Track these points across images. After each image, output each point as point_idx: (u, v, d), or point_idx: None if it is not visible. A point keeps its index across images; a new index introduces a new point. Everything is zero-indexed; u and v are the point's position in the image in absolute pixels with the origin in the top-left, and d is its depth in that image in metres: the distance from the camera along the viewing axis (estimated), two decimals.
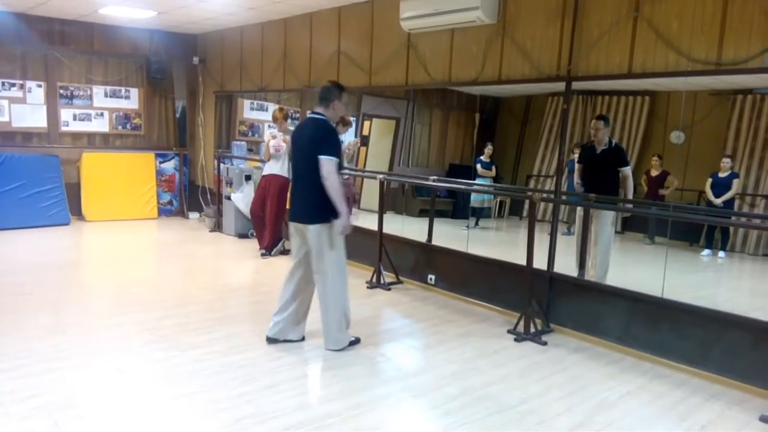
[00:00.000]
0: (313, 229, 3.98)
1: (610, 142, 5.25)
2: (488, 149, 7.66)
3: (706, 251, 6.25)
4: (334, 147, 3.95)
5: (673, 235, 5.14)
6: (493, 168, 7.65)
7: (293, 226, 4.16)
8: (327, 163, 3.87)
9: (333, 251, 4.05)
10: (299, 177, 4.12)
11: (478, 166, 7.57)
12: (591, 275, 5.10)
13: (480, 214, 7.92)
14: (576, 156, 5.71)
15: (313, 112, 4.14)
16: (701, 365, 4.03)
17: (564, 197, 5.55)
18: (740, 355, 3.87)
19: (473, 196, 7.61)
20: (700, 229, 6.23)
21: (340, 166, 4.02)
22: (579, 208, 5.39)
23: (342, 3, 6.76)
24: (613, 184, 5.17)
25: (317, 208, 3.97)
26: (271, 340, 4.21)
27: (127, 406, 3.24)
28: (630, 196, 5.26)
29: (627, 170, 5.17)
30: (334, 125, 4.14)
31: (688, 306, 4.15)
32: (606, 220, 5.22)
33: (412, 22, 5.75)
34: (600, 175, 5.23)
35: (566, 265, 5.04)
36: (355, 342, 4.30)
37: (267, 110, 9.58)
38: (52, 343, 4.08)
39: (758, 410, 3.52)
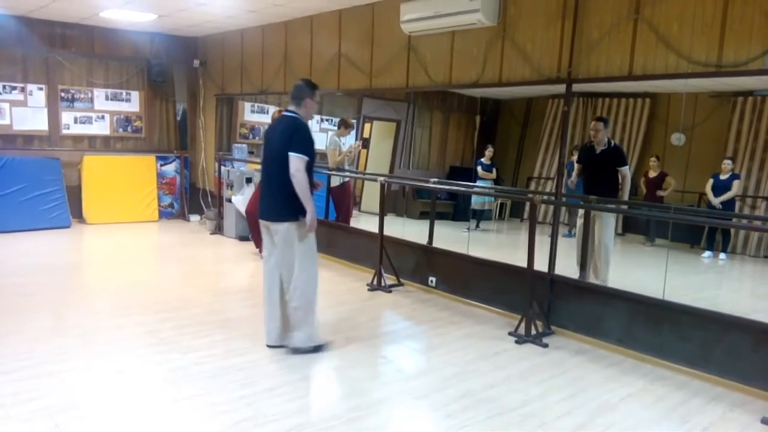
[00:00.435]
0: (280, 227, 3.95)
1: (609, 142, 5.28)
2: (489, 151, 7.67)
3: (707, 253, 6.25)
4: (304, 144, 3.90)
5: (674, 237, 5.15)
6: (494, 170, 7.66)
7: (262, 224, 4.12)
8: (296, 160, 3.83)
9: (301, 248, 3.97)
10: (269, 175, 4.06)
11: (479, 168, 7.58)
12: (594, 277, 5.12)
13: (481, 216, 7.92)
14: (575, 157, 5.74)
15: (286, 110, 4.10)
16: (702, 367, 4.02)
17: (564, 199, 5.55)
18: (741, 357, 3.87)
19: (474, 198, 7.61)
20: (701, 231, 6.23)
21: (311, 165, 3.96)
22: (580, 210, 5.40)
23: (342, 6, 6.78)
24: (613, 184, 5.20)
25: (286, 205, 3.93)
26: (272, 347, 4.17)
27: (127, 409, 3.24)
28: (626, 196, 5.27)
29: (625, 170, 5.21)
30: (307, 123, 4.07)
31: (689, 308, 4.14)
32: (608, 221, 5.23)
33: (412, 24, 5.76)
34: (599, 175, 5.27)
35: (567, 267, 5.04)
36: (322, 347, 4.16)
37: (267, 113, 9.59)
38: (54, 345, 4.08)
39: (760, 412, 3.52)
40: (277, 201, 3.98)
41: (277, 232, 3.99)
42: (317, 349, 4.13)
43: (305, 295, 4.03)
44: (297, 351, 4.08)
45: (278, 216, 3.98)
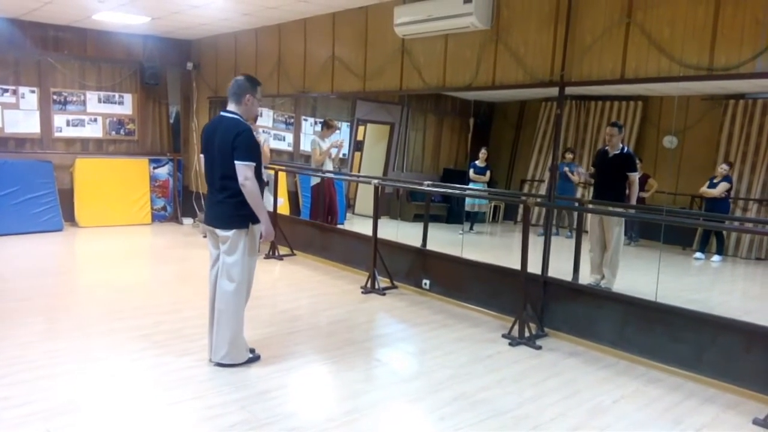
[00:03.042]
0: (229, 235, 3.71)
1: (623, 148, 5.38)
2: (482, 154, 7.70)
3: (699, 255, 6.28)
4: (249, 150, 3.65)
5: (666, 239, 5.18)
6: (488, 173, 7.69)
7: (207, 230, 3.91)
8: (244, 169, 3.60)
9: (246, 260, 3.78)
10: (213, 180, 3.80)
11: (472, 171, 7.60)
12: (604, 281, 5.21)
13: (474, 218, 7.94)
14: (567, 158, 5.79)
15: (224, 111, 3.78)
16: (695, 369, 4.04)
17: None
18: (734, 359, 3.89)
19: (467, 200, 7.63)
20: (693, 233, 6.27)
21: (258, 169, 3.71)
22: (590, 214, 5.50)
23: (336, 9, 6.79)
24: (621, 188, 5.29)
25: (234, 213, 3.71)
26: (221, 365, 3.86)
27: (121, 413, 3.22)
28: (633, 201, 5.35)
29: (634, 176, 5.30)
30: (249, 124, 3.80)
31: (682, 310, 4.16)
32: (614, 223, 5.28)
33: (406, 27, 5.77)
34: (610, 178, 5.38)
35: (560, 268, 5.06)
36: (255, 359, 3.99)
37: (261, 115, 9.57)
38: (47, 349, 4.05)
39: (752, 413, 3.54)
40: (226, 208, 3.73)
41: (224, 239, 3.75)
42: (249, 361, 3.93)
43: (235, 314, 3.82)
44: (219, 365, 3.85)
45: (227, 223, 3.73)
